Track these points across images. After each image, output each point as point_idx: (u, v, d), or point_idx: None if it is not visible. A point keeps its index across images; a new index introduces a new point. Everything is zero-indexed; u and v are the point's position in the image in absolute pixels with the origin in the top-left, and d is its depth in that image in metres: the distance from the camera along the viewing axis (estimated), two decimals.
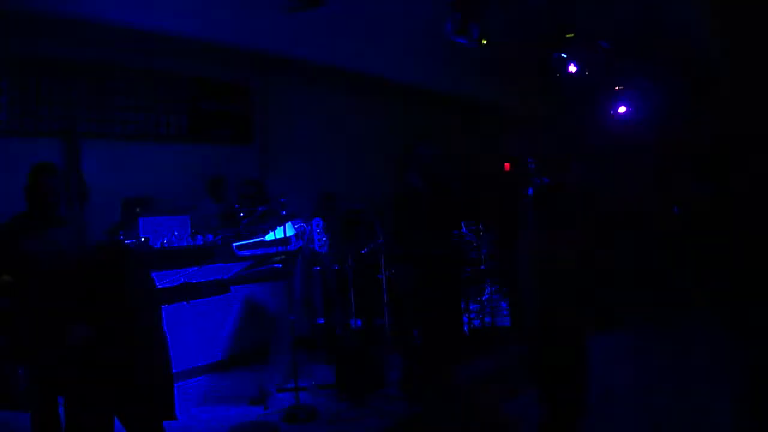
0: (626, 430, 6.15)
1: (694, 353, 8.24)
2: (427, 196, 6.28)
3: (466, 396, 6.55)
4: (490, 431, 6.21)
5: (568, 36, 8.56)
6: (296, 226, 6.79)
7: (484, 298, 8.55)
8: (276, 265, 6.88)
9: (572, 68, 8.39)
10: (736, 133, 12.96)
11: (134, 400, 4.31)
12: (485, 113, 15.44)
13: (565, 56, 8.97)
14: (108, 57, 8.88)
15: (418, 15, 9.06)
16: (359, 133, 12.18)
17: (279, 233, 6.48)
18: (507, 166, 12.74)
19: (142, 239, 7.02)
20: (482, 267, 8.04)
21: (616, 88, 12.10)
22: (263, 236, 7.09)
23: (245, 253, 7.11)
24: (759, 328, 6.26)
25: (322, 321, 7.91)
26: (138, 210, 7.63)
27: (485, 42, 7.06)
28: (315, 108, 11.44)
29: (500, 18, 7.85)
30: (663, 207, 14.33)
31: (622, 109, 12.35)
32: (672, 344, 8.94)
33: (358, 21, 9.44)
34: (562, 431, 4.84)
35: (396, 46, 10.34)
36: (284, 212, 6.17)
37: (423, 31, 9.45)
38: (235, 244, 7.12)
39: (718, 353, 7.78)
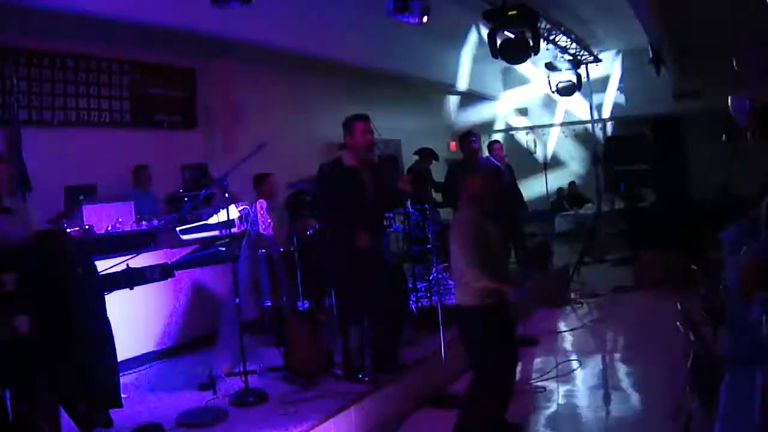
0: None
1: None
2: (360, 172, 6.16)
3: (414, 376, 6.60)
4: (437, 410, 6.28)
5: (510, 13, 8.58)
6: (240, 209, 6.76)
7: (431, 277, 8.57)
8: (220, 249, 6.86)
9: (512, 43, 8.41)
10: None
11: (78, 389, 4.28)
12: (435, 91, 15.53)
13: (509, 34, 8.99)
14: (47, 43, 8.74)
15: None
16: (306, 114, 12.16)
17: (222, 216, 6.44)
18: (453, 145, 12.83)
19: (86, 227, 6.96)
20: (428, 245, 8.05)
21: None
22: (207, 220, 7.06)
23: (189, 237, 7.07)
24: None
25: (269, 303, 7.88)
26: (81, 197, 7.55)
27: (426, 19, 7.06)
28: (260, 90, 11.38)
29: None
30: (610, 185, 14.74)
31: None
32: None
33: (301, 2, 9.40)
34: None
35: (340, 26, 10.31)
36: (227, 195, 6.12)
37: (366, 10, 9.45)
38: (178, 228, 7.08)
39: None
